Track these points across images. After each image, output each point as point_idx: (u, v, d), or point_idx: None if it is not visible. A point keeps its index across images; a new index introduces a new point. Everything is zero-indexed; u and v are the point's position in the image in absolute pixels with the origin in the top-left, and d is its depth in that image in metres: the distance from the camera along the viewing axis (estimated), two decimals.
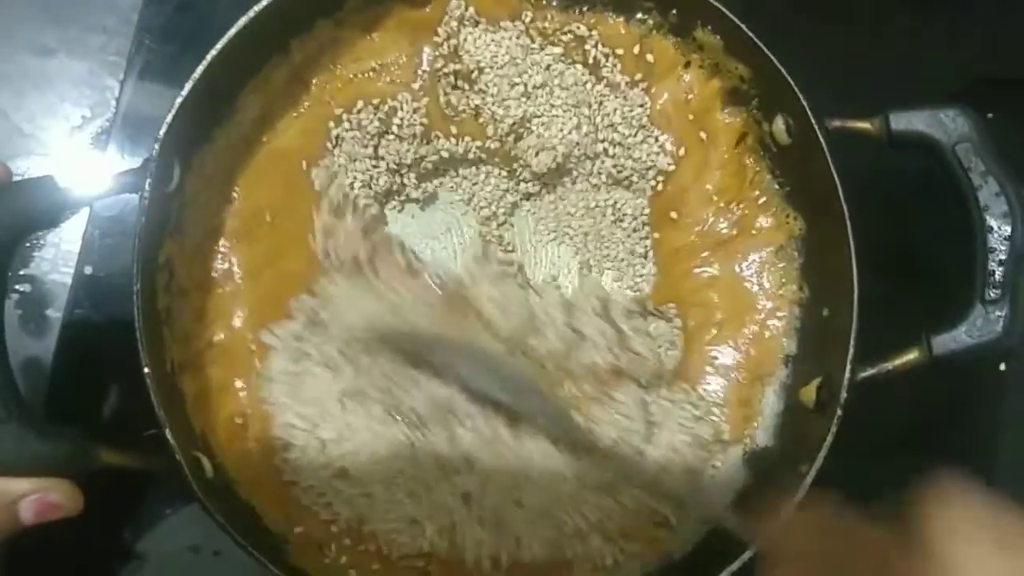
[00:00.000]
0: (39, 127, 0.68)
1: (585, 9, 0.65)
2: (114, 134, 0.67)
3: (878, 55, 0.72)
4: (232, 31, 0.55)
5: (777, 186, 0.64)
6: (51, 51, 0.69)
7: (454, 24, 0.63)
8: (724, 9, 0.59)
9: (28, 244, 0.65)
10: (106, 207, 0.65)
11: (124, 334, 0.60)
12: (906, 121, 0.59)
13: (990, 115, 0.59)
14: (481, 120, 0.64)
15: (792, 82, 0.59)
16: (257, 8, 0.55)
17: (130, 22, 0.69)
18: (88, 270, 0.65)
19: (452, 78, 0.64)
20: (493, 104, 0.64)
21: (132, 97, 0.68)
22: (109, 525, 0.60)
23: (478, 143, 0.65)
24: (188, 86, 0.54)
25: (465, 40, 0.63)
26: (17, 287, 0.64)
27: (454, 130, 0.64)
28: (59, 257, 0.65)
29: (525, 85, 0.63)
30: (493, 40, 0.64)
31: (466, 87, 0.64)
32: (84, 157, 0.67)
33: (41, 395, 0.63)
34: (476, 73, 0.64)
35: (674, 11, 0.62)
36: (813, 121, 0.59)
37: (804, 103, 0.59)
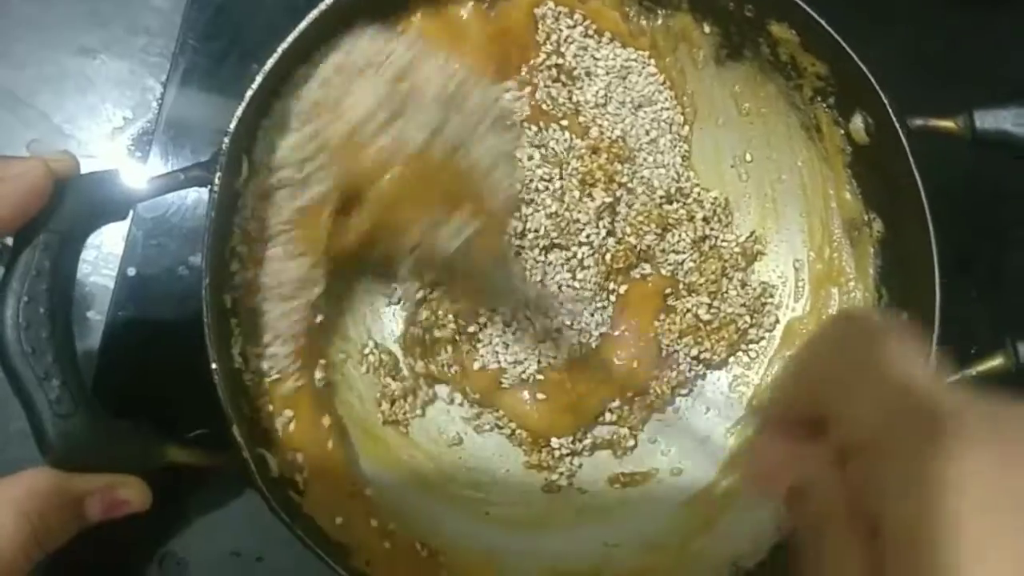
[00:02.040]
0: (80, 128, 0.67)
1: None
2: (157, 135, 0.66)
3: (960, 52, 0.70)
4: (304, 23, 0.54)
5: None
6: (92, 52, 0.68)
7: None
8: (803, 4, 0.58)
9: None
10: (149, 208, 0.64)
11: (169, 333, 0.60)
12: (992, 119, 0.57)
13: None
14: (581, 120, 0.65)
15: (873, 79, 0.57)
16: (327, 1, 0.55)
17: (172, 23, 0.68)
18: (131, 271, 0.64)
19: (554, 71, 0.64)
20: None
21: (175, 98, 0.67)
22: (150, 528, 0.59)
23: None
24: (259, 79, 0.53)
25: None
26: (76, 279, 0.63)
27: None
28: (100, 259, 0.64)
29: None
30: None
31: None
32: (126, 158, 0.67)
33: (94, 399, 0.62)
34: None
35: (750, 6, 0.61)
36: (894, 119, 0.57)
37: (885, 101, 0.57)
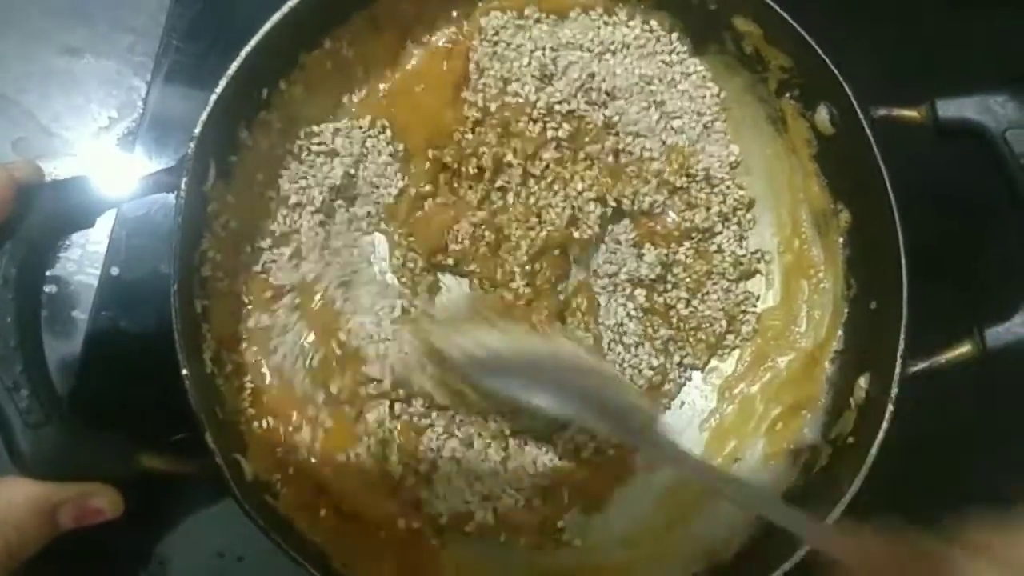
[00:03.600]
0: (65, 127, 0.67)
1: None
2: (141, 135, 0.66)
3: (923, 43, 0.71)
4: (267, 26, 0.54)
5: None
6: (78, 51, 0.68)
7: None
8: None
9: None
10: (133, 208, 0.64)
11: (152, 335, 0.60)
12: (954, 108, 0.58)
13: None
14: None
15: (836, 70, 0.58)
16: (292, 3, 0.55)
17: (158, 22, 0.68)
18: (115, 271, 0.64)
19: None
20: None
21: (160, 98, 0.67)
22: (132, 530, 0.59)
23: None
24: (223, 83, 0.53)
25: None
26: (43, 288, 0.63)
27: None
28: (85, 258, 0.64)
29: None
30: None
31: None
32: (111, 158, 0.67)
33: (66, 397, 0.61)
34: None
35: (713, 2, 0.61)
36: (858, 110, 0.57)
37: (848, 91, 0.58)
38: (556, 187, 0.64)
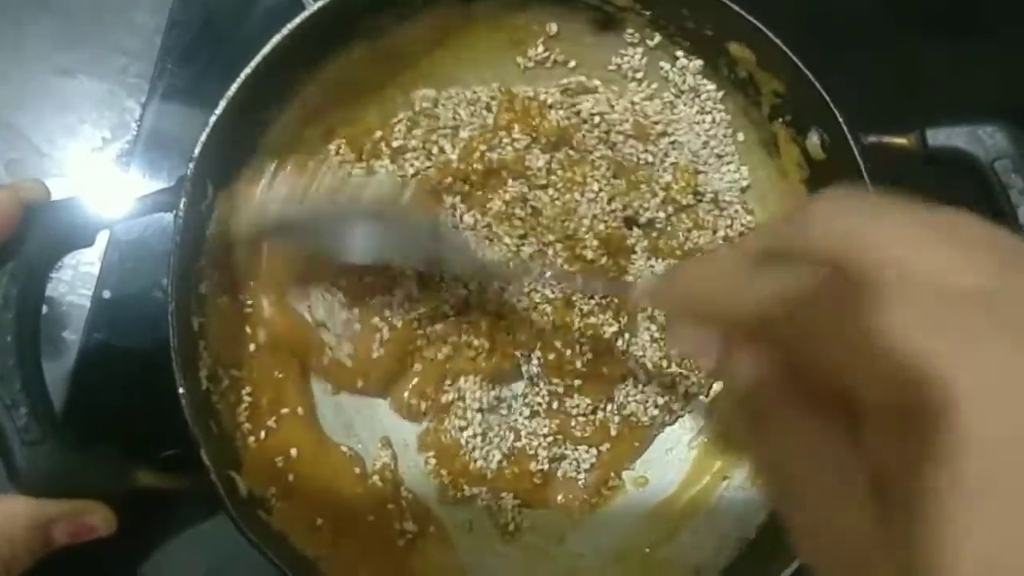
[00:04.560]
0: (58, 148, 0.67)
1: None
2: (136, 156, 0.67)
3: (914, 71, 0.71)
4: (267, 48, 0.55)
5: None
6: (71, 72, 0.68)
7: None
8: (758, 24, 0.59)
9: None
10: (126, 232, 0.64)
11: (144, 357, 0.61)
12: (944, 137, 0.58)
13: None
14: None
15: (827, 97, 0.58)
16: (292, 25, 0.55)
17: (152, 44, 0.68)
18: (107, 294, 0.64)
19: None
20: None
21: (154, 120, 0.67)
22: (123, 549, 0.59)
23: None
24: (223, 104, 0.54)
25: None
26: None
27: None
28: (77, 279, 0.64)
29: None
30: None
31: None
32: (104, 179, 0.67)
33: (58, 418, 0.62)
34: None
35: (709, 26, 0.62)
36: (848, 136, 0.58)
37: (839, 118, 0.58)
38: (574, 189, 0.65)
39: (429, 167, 0.64)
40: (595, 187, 0.64)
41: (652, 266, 0.66)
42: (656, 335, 0.65)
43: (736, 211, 0.67)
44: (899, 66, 0.72)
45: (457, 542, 0.63)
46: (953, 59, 0.73)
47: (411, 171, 0.64)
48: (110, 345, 0.64)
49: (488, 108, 0.66)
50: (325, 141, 0.64)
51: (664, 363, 0.65)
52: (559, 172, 0.64)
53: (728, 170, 0.67)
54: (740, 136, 0.67)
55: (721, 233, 0.66)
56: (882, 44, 0.73)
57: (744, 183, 0.67)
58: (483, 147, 0.63)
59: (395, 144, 0.64)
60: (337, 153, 0.64)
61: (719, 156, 0.67)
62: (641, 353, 0.65)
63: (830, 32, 0.71)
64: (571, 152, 0.65)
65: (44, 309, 0.60)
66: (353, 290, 0.62)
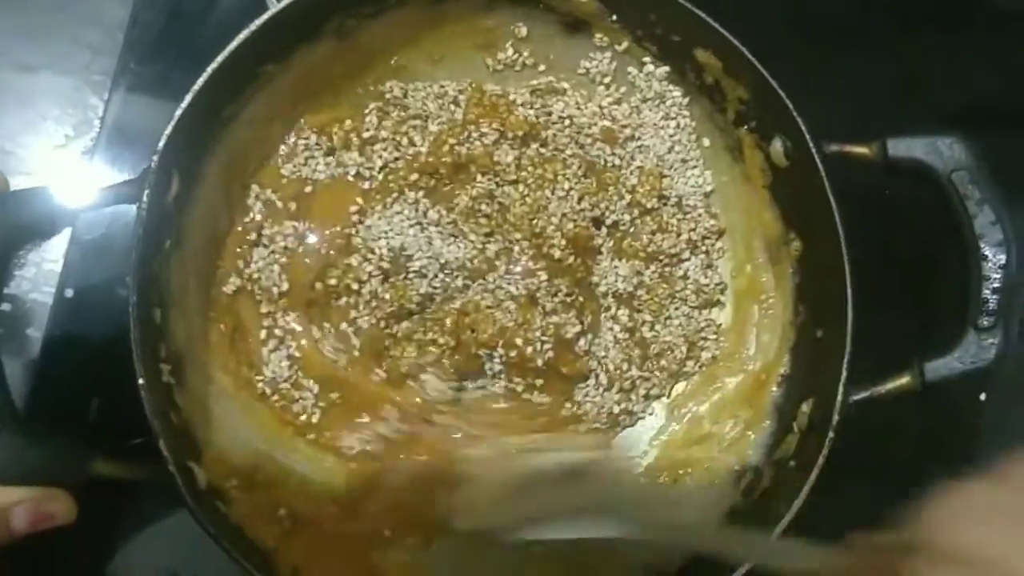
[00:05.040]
0: (20, 145, 0.67)
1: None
2: (98, 153, 0.66)
3: (878, 80, 0.72)
4: (233, 44, 0.55)
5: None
6: (34, 68, 0.67)
7: None
8: (725, 32, 0.59)
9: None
10: (88, 228, 0.64)
11: (106, 346, 0.60)
12: (904, 147, 0.59)
13: (986, 143, 0.58)
14: None
15: (790, 105, 0.59)
16: (259, 21, 0.55)
17: (116, 40, 0.68)
18: (69, 293, 0.64)
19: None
20: None
21: (117, 117, 0.67)
22: (84, 547, 0.60)
23: None
24: (188, 97, 0.54)
25: None
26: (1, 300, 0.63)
27: None
28: (40, 276, 0.64)
29: None
30: None
31: None
32: (67, 176, 0.66)
33: (20, 412, 0.62)
34: None
35: (676, 32, 0.63)
36: (811, 144, 0.59)
37: (802, 126, 0.59)
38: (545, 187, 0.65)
39: (398, 159, 0.65)
40: (566, 185, 0.65)
41: (616, 267, 0.66)
42: (619, 336, 0.66)
43: (700, 215, 0.68)
44: (865, 73, 0.73)
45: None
46: (921, 67, 0.74)
47: (379, 163, 0.65)
48: (73, 341, 0.64)
49: (456, 103, 0.67)
50: (295, 134, 0.64)
51: (625, 365, 0.65)
52: (529, 168, 0.65)
53: (692, 174, 0.68)
54: (706, 141, 0.68)
55: (684, 236, 0.67)
56: (847, 51, 0.74)
57: (708, 188, 0.68)
58: (452, 140, 0.64)
59: (365, 135, 0.65)
60: (306, 148, 0.64)
61: (684, 161, 0.68)
62: (603, 354, 0.66)
63: (796, 39, 0.72)
64: (542, 150, 0.66)
65: (7, 307, 0.62)
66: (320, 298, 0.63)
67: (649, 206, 0.66)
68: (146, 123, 0.66)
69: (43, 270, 0.64)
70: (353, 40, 0.63)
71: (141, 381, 0.52)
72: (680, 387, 0.68)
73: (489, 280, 0.64)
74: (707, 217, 0.68)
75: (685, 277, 0.68)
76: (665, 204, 0.67)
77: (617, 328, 0.66)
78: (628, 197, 0.66)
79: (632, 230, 0.67)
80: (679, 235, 0.67)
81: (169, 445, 0.52)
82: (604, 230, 0.67)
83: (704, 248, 0.68)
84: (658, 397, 0.68)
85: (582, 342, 0.65)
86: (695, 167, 0.68)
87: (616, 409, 0.66)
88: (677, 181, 0.68)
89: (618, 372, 0.66)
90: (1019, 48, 0.74)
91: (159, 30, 0.68)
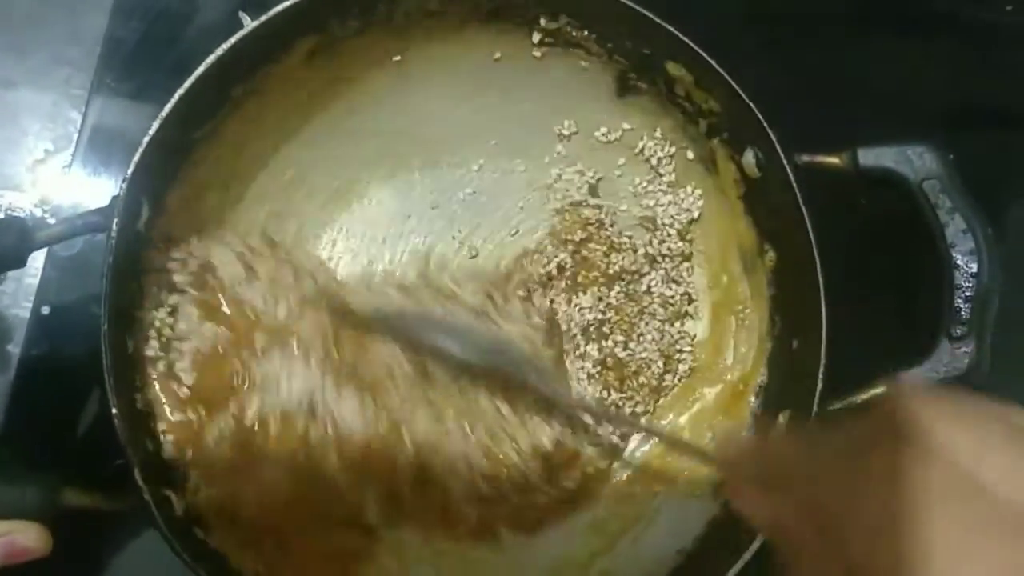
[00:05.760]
0: (0, 161, 0.66)
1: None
2: (75, 168, 0.66)
3: (849, 90, 0.72)
4: (201, 69, 0.55)
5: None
6: (13, 83, 0.67)
7: None
8: (693, 45, 0.59)
9: None
10: (65, 247, 0.64)
11: (83, 369, 0.60)
12: (874, 157, 0.59)
13: (957, 152, 0.59)
14: None
15: (760, 116, 0.59)
16: (226, 45, 0.55)
17: (95, 56, 0.68)
18: (45, 310, 0.64)
19: None
20: None
21: (93, 134, 0.67)
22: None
23: None
24: (156, 124, 0.54)
25: None
26: None
27: None
28: (20, 291, 0.64)
29: None
30: None
31: None
32: (47, 192, 0.66)
33: None
34: None
35: (647, 46, 0.63)
36: (782, 155, 0.59)
37: (772, 137, 0.59)
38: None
39: None
40: None
41: (578, 302, 0.67)
42: (592, 371, 0.67)
43: (669, 234, 0.69)
44: (836, 83, 0.73)
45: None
46: (892, 76, 0.74)
47: None
48: (49, 360, 0.63)
49: None
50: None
51: (604, 393, 0.66)
52: None
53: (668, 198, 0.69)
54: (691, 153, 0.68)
55: (641, 252, 0.68)
56: (818, 62, 0.74)
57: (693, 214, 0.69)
58: None
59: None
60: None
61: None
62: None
63: (766, 51, 0.72)
64: None
65: None
66: None
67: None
68: (124, 138, 0.66)
69: (23, 285, 0.64)
70: (326, 62, 0.63)
71: (114, 411, 0.52)
72: (663, 401, 0.68)
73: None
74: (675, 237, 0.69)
75: (649, 292, 0.68)
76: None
77: (588, 365, 0.67)
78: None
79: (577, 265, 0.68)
80: (635, 251, 0.67)
81: (145, 473, 0.52)
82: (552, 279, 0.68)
83: (664, 264, 0.68)
84: (644, 414, 0.67)
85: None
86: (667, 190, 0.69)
87: (614, 439, 0.66)
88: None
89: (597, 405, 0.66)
90: (988, 57, 0.74)
91: (133, 45, 0.68)
